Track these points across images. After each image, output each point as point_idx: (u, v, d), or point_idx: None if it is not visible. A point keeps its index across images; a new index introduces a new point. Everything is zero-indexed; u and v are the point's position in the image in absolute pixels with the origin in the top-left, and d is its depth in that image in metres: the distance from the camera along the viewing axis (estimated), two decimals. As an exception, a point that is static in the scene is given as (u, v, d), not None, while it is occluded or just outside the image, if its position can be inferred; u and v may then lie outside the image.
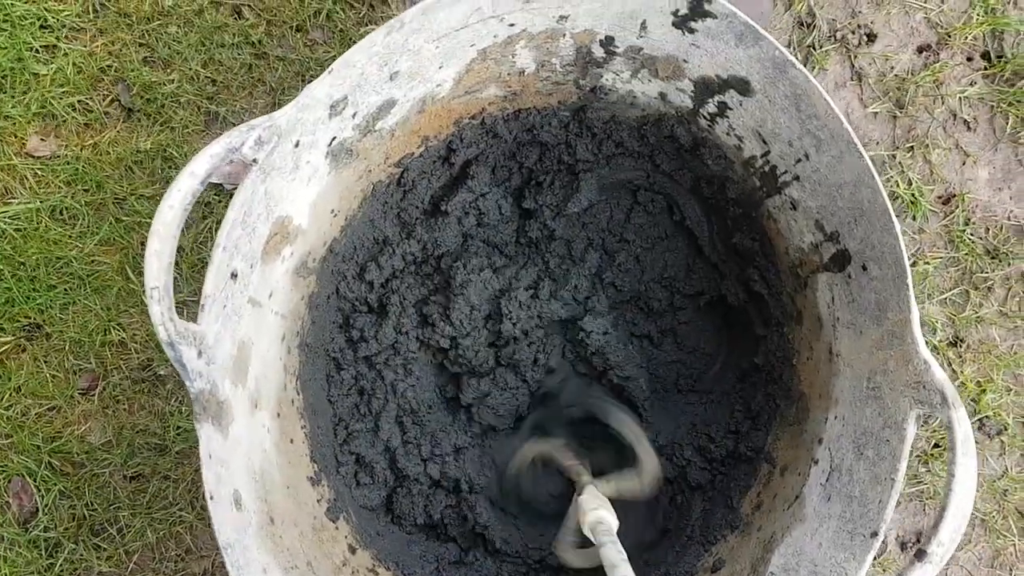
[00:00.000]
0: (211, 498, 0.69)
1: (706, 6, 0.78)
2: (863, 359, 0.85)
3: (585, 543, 0.90)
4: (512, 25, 0.83)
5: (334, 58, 1.29)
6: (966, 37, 1.31)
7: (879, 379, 0.82)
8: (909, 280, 0.76)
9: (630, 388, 1.11)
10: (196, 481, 1.23)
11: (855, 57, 1.32)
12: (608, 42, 0.88)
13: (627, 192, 1.12)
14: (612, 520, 0.87)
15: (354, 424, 1.05)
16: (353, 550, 0.96)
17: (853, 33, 1.33)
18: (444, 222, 1.08)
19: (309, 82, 1.26)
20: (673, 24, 0.83)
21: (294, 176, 0.78)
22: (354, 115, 0.81)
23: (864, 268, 0.83)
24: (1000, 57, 1.31)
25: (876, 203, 0.78)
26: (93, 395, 1.24)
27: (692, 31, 0.82)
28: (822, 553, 0.84)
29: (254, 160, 0.69)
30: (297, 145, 0.75)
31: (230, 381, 0.76)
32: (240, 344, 0.79)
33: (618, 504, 0.93)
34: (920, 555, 0.69)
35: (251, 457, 0.80)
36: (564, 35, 0.87)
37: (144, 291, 0.61)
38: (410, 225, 1.08)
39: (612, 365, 1.10)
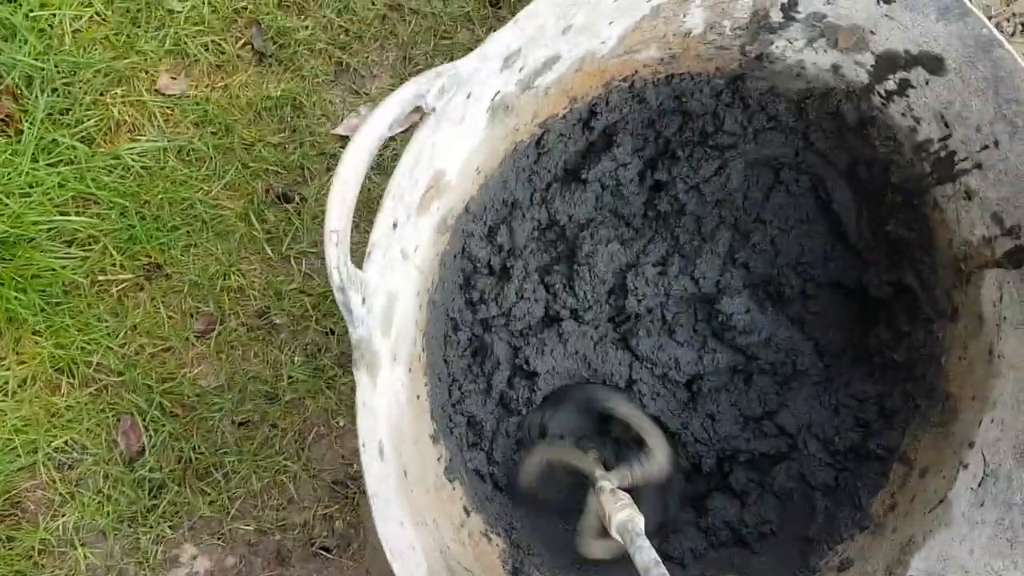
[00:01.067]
0: (363, 446, 0.68)
1: (915, -27, 0.73)
2: (1035, 363, 0.80)
3: (605, 534, 0.88)
4: (694, -19, 0.79)
5: (467, 14, 1.29)
6: None
7: (1054, 385, 0.77)
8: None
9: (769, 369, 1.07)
10: (303, 431, 1.23)
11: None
12: (790, 6, 0.83)
13: (769, 170, 1.07)
14: (639, 519, 0.85)
15: (467, 385, 1.03)
16: (468, 512, 0.95)
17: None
18: (580, 190, 1.04)
19: (441, 37, 1.26)
20: (872, -10, 0.77)
21: (459, 128, 0.76)
22: (521, 69, 0.78)
23: (1049, 267, 0.78)
24: None
25: (1075, 199, 0.72)
26: (209, 338, 1.24)
27: (890, 1, 0.77)
28: (974, 560, 0.82)
29: (433, 108, 0.66)
30: (469, 96, 0.72)
31: (380, 332, 0.75)
32: (390, 296, 0.77)
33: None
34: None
35: (391, 409, 0.79)
36: (745, -5, 0.83)
37: (323, 233, 0.59)
38: (541, 190, 1.05)
39: (758, 343, 1.06)
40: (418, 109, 0.64)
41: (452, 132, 0.75)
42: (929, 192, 0.92)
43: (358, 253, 0.62)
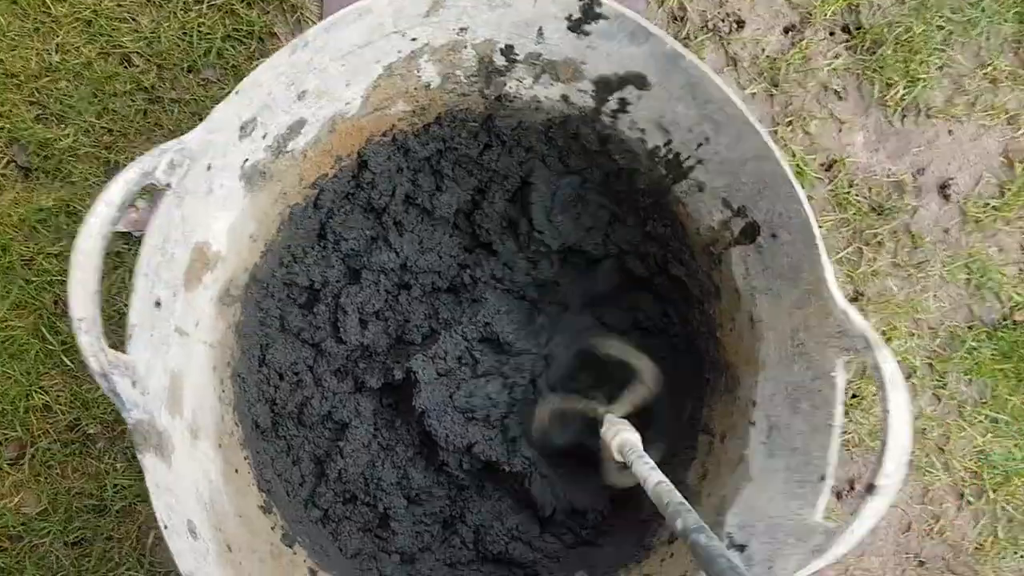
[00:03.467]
0: (165, 528, 0.68)
1: (597, 9, 0.82)
2: (784, 320, 0.89)
3: (625, 465, 0.95)
4: (414, 40, 0.85)
5: (227, 95, 1.31)
6: (826, 14, 1.40)
7: (802, 336, 0.85)
8: (818, 240, 0.80)
9: None
10: (140, 537, 1.19)
11: (728, 44, 1.40)
12: (508, 50, 0.91)
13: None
14: (634, 438, 0.94)
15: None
16: (314, 573, 0.95)
17: (723, 21, 1.40)
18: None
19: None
20: (568, 28, 0.86)
21: (209, 200, 0.78)
22: (264, 136, 0.82)
23: (774, 236, 0.87)
24: (859, 28, 1.41)
25: (777, 173, 0.82)
26: (23, 464, 1.20)
27: (587, 33, 0.86)
28: (775, 505, 0.87)
29: (168, 184, 0.69)
30: (209, 168, 0.75)
31: (167, 411, 0.75)
32: (172, 374, 0.78)
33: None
34: (871, 488, 0.72)
35: (199, 487, 0.79)
36: (466, 46, 0.90)
37: (72, 323, 0.60)
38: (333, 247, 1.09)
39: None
40: (152, 187, 0.67)
41: (202, 205, 0.77)
42: (670, 191, 1.01)
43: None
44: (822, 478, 0.80)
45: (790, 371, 0.89)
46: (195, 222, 0.76)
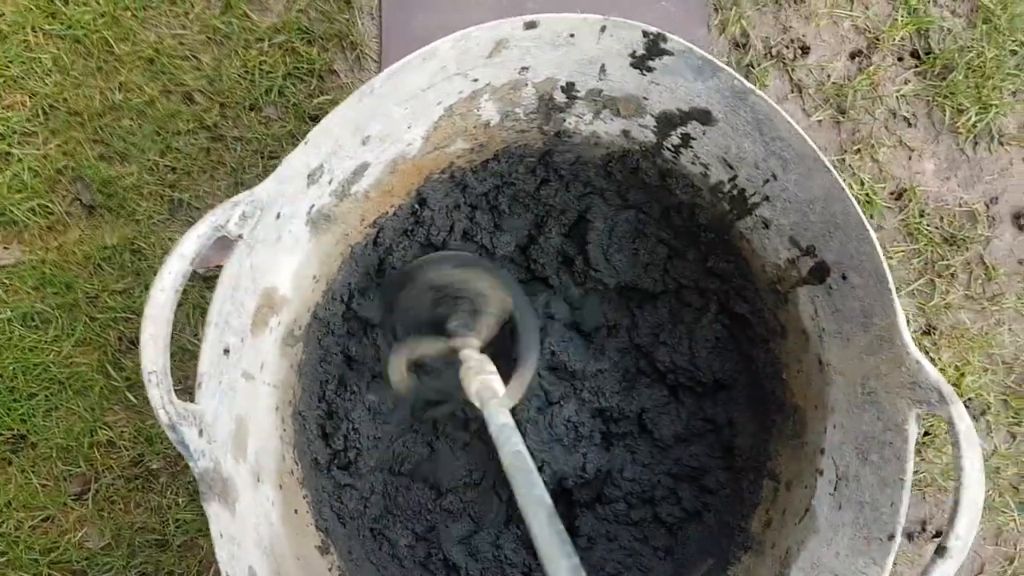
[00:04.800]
0: (227, 577, 0.68)
1: (662, 44, 0.81)
2: (854, 366, 0.87)
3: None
4: (476, 80, 0.85)
5: (290, 132, 1.33)
6: (894, 39, 1.37)
7: (873, 384, 0.83)
8: (891, 284, 0.78)
9: None
10: (201, 572, 1.20)
11: (792, 70, 1.37)
12: (569, 88, 0.91)
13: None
14: (496, 383, 0.82)
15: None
16: (372, 613, 0.95)
17: (787, 48, 1.38)
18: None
19: (269, 158, 1.30)
20: (631, 64, 0.85)
21: (277, 247, 0.79)
22: (330, 181, 0.82)
23: (844, 278, 0.85)
24: (928, 53, 1.38)
25: (849, 215, 0.80)
26: (87, 499, 1.21)
27: (651, 69, 0.85)
28: (840, 562, 0.85)
29: (239, 236, 0.69)
30: (279, 216, 0.76)
31: (232, 457, 0.75)
32: (238, 419, 0.78)
33: None
34: (941, 551, 0.69)
35: (259, 532, 0.79)
36: (526, 85, 0.89)
37: (143, 375, 0.61)
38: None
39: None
40: (224, 239, 0.67)
41: (271, 252, 0.78)
42: (733, 226, 1.00)
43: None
44: (891, 537, 0.77)
45: (860, 419, 0.87)
46: (264, 269, 0.77)
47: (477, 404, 0.81)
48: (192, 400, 0.69)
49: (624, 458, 1.13)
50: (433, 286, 1.00)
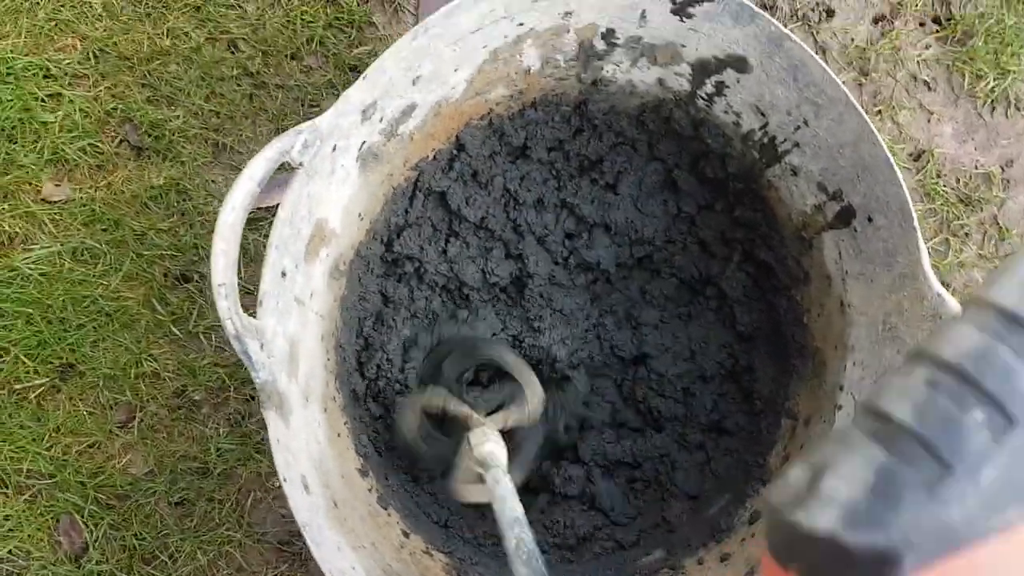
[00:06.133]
0: (285, 480, 0.73)
1: (703, -10, 0.84)
2: (877, 305, 0.90)
3: (481, 479, 0.89)
4: (521, 24, 0.89)
5: (329, 81, 1.37)
6: (916, 4, 1.40)
7: (894, 320, 0.87)
8: (916, 222, 0.81)
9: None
10: (240, 499, 1.25)
11: (817, 33, 1.40)
12: (609, 34, 0.94)
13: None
14: (501, 453, 0.87)
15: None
16: (407, 534, 1.00)
17: (813, 11, 1.40)
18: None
19: (309, 106, 1.34)
20: (672, 11, 0.88)
21: (331, 180, 0.83)
22: (381, 119, 0.86)
23: (870, 219, 0.89)
24: (949, 20, 1.40)
25: (878, 156, 0.84)
26: (131, 427, 1.27)
27: (690, 16, 0.88)
28: None
29: (300, 163, 0.73)
30: (334, 149, 0.80)
31: (286, 375, 0.80)
32: (291, 340, 0.83)
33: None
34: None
35: (309, 447, 0.84)
36: (568, 31, 0.93)
37: (212, 288, 0.65)
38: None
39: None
40: (286, 165, 0.71)
41: (325, 183, 0.82)
42: (763, 175, 1.03)
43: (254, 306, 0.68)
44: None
45: (881, 355, 0.90)
46: (318, 199, 0.81)
47: (479, 469, 0.87)
48: (253, 316, 0.74)
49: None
50: (491, 359, 1.08)
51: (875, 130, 0.82)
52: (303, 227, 0.80)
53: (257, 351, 0.72)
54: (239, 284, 1.28)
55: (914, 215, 0.81)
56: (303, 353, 0.87)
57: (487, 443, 0.88)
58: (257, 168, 0.67)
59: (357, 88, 0.76)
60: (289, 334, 0.82)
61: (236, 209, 0.66)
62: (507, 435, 0.97)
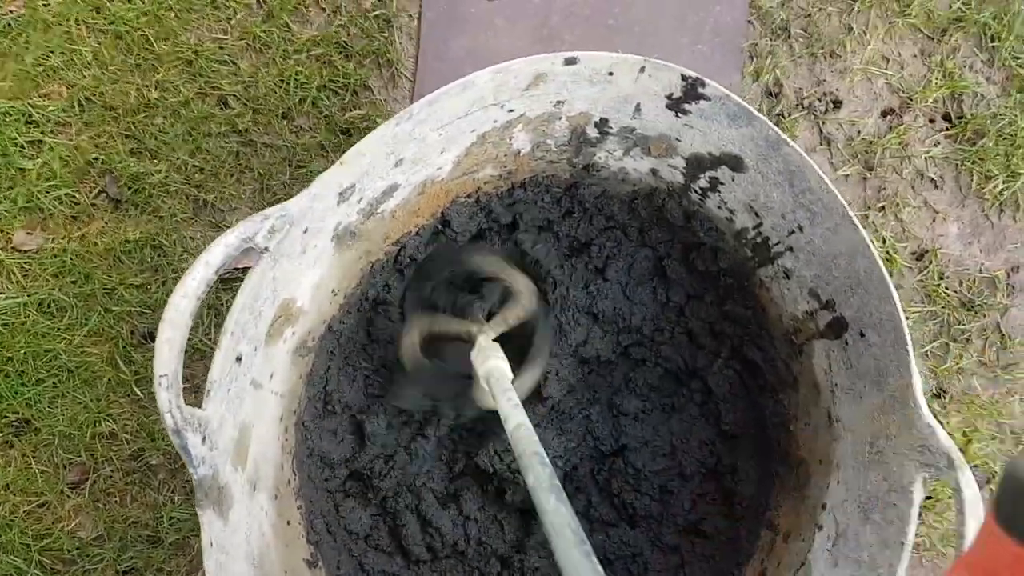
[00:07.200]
0: (219, 587, 0.68)
1: (700, 89, 0.81)
2: (864, 424, 0.86)
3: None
4: (511, 111, 0.86)
5: (319, 143, 1.34)
6: (927, 100, 1.37)
7: (882, 443, 0.82)
8: (909, 347, 0.77)
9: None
10: (191, 573, 1.19)
11: (823, 123, 1.37)
12: (603, 123, 0.91)
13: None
14: (505, 367, 0.88)
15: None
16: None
17: (819, 100, 1.38)
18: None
19: (296, 166, 1.31)
20: (667, 106, 0.86)
21: (301, 260, 0.79)
22: (359, 200, 0.83)
23: (862, 335, 0.85)
24: (960, 118, 1.38)
25: (873, 273, 0.80)
26: (83, 489, 1.21)
27: (686, 112, 0.85)
28: None
29: (265, 248, 0.69)
30: (306, 231, 0.76)
31: (231, 465, 0.75)
32: (241, 427, 0.78)
33: None
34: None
35: (250, 542, 0.79)
36: (560, 118, 0.90)
37: (154, 378, 0.61)
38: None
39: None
40: (250, 250, 0.67)
41: (294, 264, 0.78)
42: (754, 273, 1.00)
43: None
44: (886, 599, 0.77)
45: (866, 478, 0.86)
46: (285, 281, 0.77)
47: (484, 385, 0.86)
48: (197, 404, 0.69)
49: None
50: (474, 269, 1.04)
51: (871, 245, 0.79)
52: (265, 310, 0.76)
53: (197, 445, 0.68)
54: (207, 347, 1.24)
55: (908, 339, 0.77)
56: (255, 437, 0.82)
57: (488, 360, 0.88)
58: (215, 255, 0.63)
59: (334, 172, 0.73)
60: (240, 420, 0.77)
61: (188, 297, 0.62)
62: (518, 334, 0.97)
